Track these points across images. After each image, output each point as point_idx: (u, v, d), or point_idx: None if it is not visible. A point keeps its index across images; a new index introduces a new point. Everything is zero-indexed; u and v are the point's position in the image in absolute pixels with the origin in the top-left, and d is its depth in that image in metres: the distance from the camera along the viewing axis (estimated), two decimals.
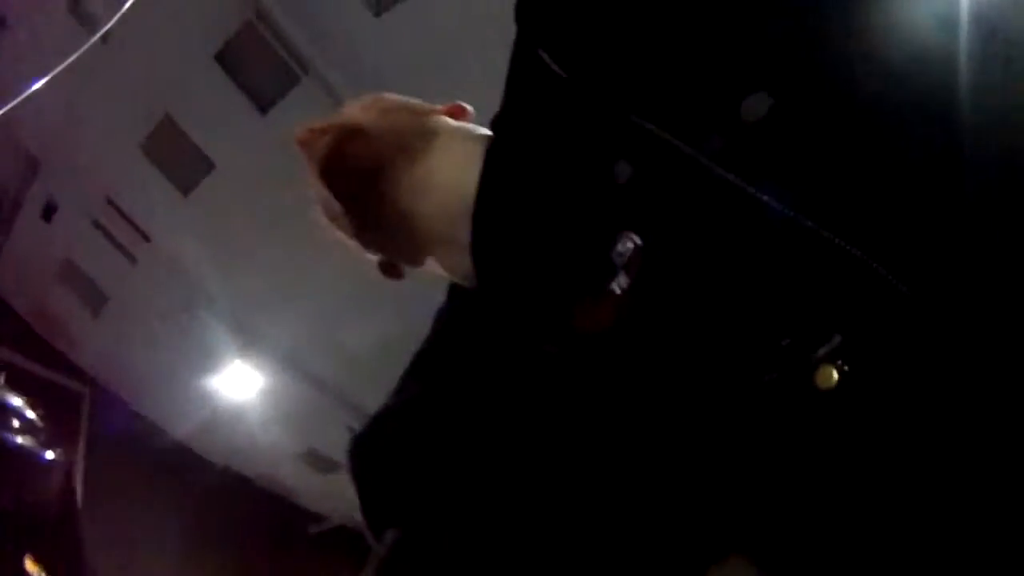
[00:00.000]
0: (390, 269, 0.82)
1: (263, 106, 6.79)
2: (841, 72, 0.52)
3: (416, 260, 0.79)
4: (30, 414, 6.95)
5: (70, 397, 9.17)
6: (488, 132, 0.75)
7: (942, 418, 0.50)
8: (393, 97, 0.82)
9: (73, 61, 7.99)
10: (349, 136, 0.76)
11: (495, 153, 0.68)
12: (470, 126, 0.81)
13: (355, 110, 0.81)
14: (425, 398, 0.67)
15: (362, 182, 0.75)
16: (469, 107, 0.83)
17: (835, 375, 0.50)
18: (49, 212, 9.94)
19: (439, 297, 0.77)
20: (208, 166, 7.53)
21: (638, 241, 0.54)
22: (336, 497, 8.48)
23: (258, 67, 6.69)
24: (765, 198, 0.52)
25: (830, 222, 0.51)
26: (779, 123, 0.53)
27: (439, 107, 0.82)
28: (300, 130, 0.77)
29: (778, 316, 0.53)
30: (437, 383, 0.68)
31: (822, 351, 0.51)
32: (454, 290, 0.75)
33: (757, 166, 0.53)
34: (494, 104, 0.74)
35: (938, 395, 0.50)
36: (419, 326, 0.75)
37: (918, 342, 0.50)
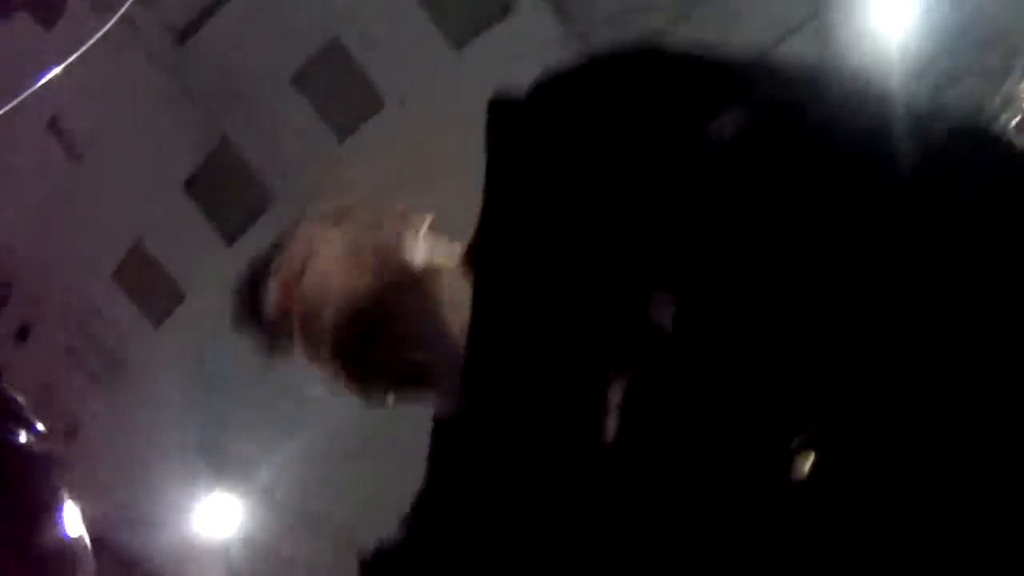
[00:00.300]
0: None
1: (230, 236, 6.62)
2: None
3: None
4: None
5: None
6: (457, 248, 0.79)
7: (917, 510, 0.51)
8: (363, 236, 0.82)
9: (48, 186, 7.96)
10: (352, 316, 0.76)
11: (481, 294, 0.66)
12: (442, 248, 0.82)
13: (334, 266, 0.80)
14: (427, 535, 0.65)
15: (372, 351, 0.78)
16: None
17: (808, 465, 0.52)
18: (24, 332, 9.76)
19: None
20: (179, 296, 7.31)
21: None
22: None
23: (225, 196, 6.57)
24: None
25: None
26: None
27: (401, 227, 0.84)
28: (274, 305, 0.78)
29: (756, 409, 0.54)
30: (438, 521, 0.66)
31: (796, 441, 0.52)
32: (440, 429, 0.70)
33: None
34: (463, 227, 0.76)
35: (910, 487, 0.52)
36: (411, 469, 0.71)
37: (890, 431, 0.52)
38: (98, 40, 7.70)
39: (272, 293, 0.80)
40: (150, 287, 7.51)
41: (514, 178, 0.63)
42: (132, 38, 7.02)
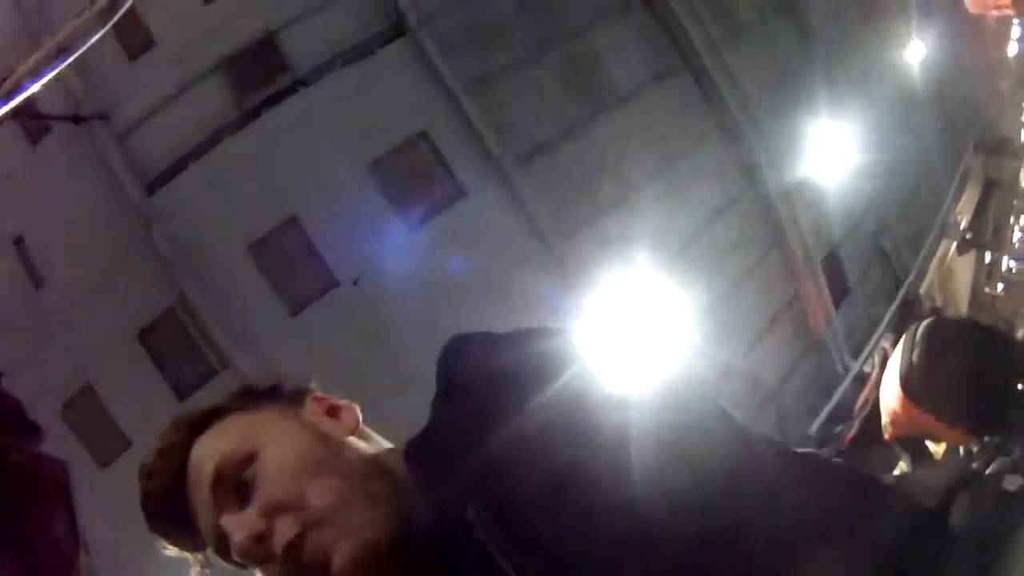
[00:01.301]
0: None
1: (182, 392, 6.50)
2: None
3: None
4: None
5: None
6: (387, 445, 0.86)
7: None
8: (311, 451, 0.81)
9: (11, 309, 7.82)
10: (324, 537, 0.75)
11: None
12: (375, 440, 0.87)
13: (292, 482, 0.77)
14: None
15: None
16: (356, 409, 0.88)
17: None
18: None
19: None
20: (125, 443, 7.10)
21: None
22: None
23: (178, 354, 6.49)
24: None
25: None
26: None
27: (339, 416, 0.87)
28: (246, 541, 0.74)
29: None
30: None
31: None
32: None
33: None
34: (408, 404, 0.85)
35: None
36: None
37: None
38: (72, 172, 7.83)
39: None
40: (97, 429, 7.32)
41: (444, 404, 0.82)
42: (106, 178, 7.13)
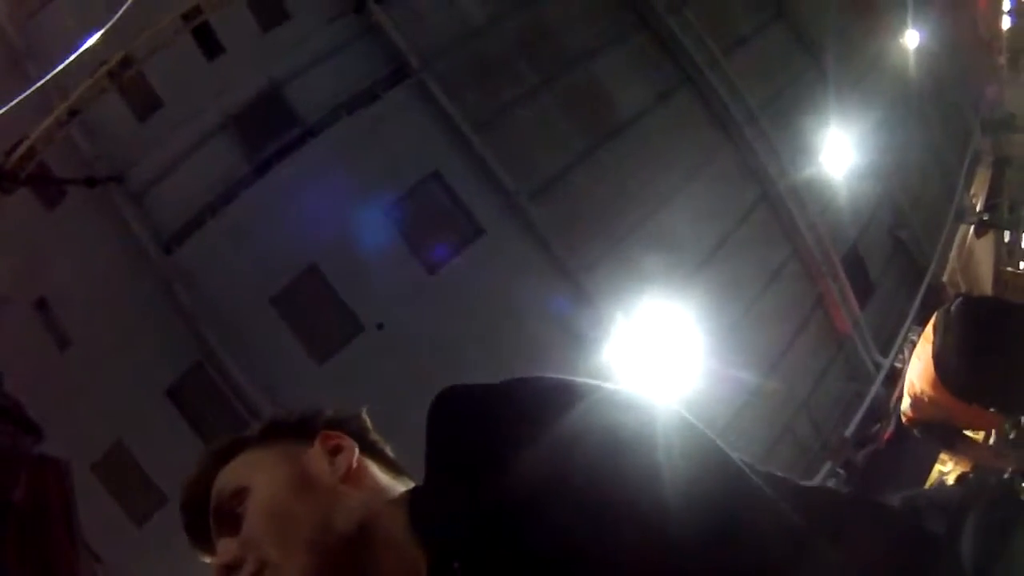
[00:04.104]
0: None
1: None
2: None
3: None
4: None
5: None
6: (392, 491, 0.90)
7: None
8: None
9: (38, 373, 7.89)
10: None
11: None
12: (373, 485, 0.91)
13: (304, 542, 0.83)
14: None
15: None
16: (351, 453, 0.92)
17: None
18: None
19: None
20: (161, 499, 7.11)
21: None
22: None
23: (209, 407, 6.52)
24: None
25: None
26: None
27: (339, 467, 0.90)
28: (220, 567, 0.82)
29: None
30: None
31: None
32: None
33: None
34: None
35: None
36: None
37: None
38: (90, 234, 7.92)
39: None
40: (130, 486, 7.34)
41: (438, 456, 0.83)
42: (124, 238, 7.21)
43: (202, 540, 0.92)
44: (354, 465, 0.89)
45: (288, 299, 5.92)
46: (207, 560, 0.92)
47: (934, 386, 2.13)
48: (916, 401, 2.25)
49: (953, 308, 2.13)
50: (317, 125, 6.10)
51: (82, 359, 7.49)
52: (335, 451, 0.91)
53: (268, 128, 6.32)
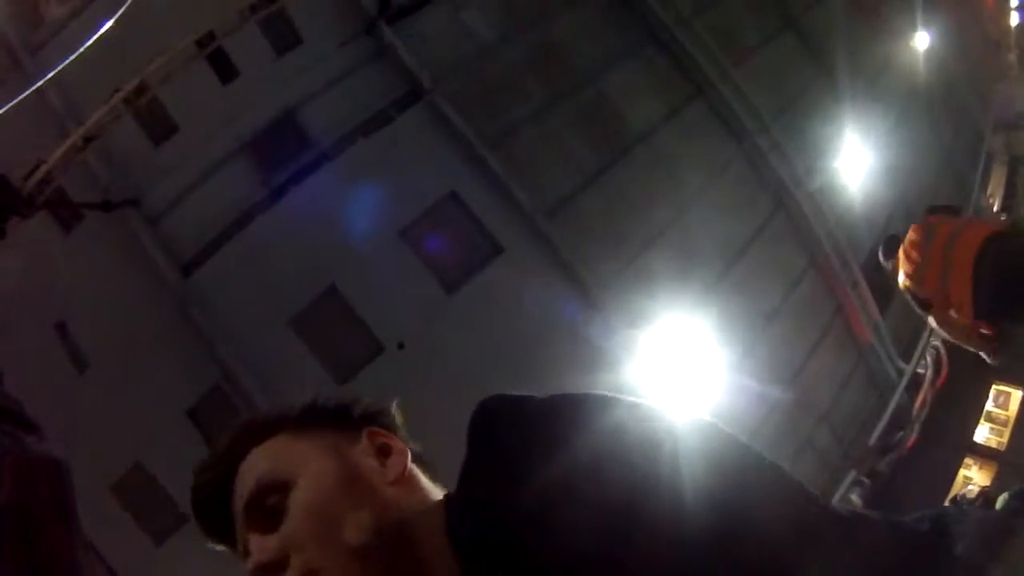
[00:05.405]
0: None
1: None
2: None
3: None
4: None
5: None
6: (436, 497, 0.86)
7: None
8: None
9: (56, 396, 7.95)
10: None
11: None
12: (421, 491, 0.87)
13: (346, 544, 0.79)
14: None
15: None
16: (405, 458, 0.87)
17: None
18: None
19: None
20: (181, 519, 7.13)
21: None
22: None
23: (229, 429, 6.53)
24: None
25: None
26: None
27: (389, 473, 0.86)
28: (256, 569, 0.78)
29: None
30: None
31: None
32: None
33: None
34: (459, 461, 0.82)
35: None
36: None
37: None
38: (108, 257, 8.00)
39: None
40: (150, 506, 7.36)
41: (477, 465, 0.81)
42: (141, 262, 7.27)
43: (217, 526, 0.85)
44: (408, 470, 0.85)
45: (307, 321, 5.94)
46: (218, 548, 0.86)
47: (963, 267, 2.20)
48: (924, 274, 2.32)
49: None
50: (332, 148, 6.15)
51: (101, 381, 7.54)
52: (383, 450, 0.86)
53: (283, 151, 6.37)
